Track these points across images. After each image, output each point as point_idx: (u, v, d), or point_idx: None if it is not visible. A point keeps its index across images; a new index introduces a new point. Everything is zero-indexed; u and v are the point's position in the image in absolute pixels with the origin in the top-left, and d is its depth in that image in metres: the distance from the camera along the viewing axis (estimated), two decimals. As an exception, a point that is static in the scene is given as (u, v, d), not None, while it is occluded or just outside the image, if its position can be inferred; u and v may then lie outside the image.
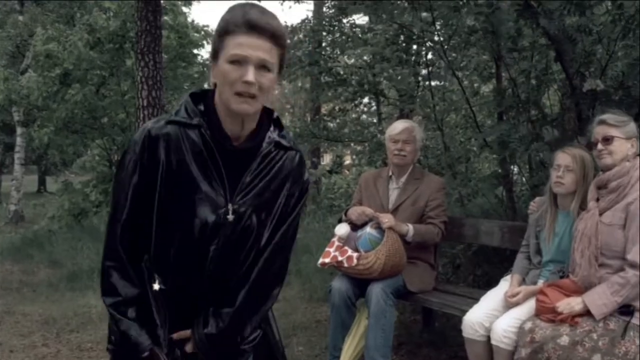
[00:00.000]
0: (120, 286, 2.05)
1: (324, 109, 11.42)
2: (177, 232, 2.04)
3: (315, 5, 13.60)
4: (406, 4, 6.53)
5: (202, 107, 2.06)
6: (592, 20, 5.17)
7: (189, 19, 17.14)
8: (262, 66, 1.94)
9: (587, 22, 5.06)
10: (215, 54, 2.00)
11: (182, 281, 2.09)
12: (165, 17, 14.24)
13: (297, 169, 2.17)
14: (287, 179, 2.14)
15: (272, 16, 1.98)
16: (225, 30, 1.95)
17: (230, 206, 2.05)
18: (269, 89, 2.00)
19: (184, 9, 17.57)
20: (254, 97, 1.95)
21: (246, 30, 1.92)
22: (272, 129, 2.13)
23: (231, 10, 1.99)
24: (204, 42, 16.65)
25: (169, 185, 2.01)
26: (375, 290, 4.60)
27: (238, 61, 1.93)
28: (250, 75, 1.92)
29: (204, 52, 17.38)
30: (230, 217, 2.05)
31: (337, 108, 10.30)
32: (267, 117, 2.13)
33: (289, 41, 2.02)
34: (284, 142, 2.14)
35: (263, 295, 2.17)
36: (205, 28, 17.08)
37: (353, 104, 10.12)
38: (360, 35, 9.51)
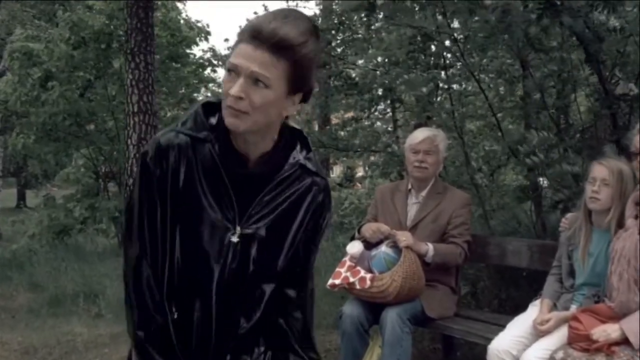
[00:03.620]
0: (154, 316, 2.06)
1: (335, 119, 11.46)
2: (180, 255, 2.05)
3: (323, 4, 13.66)
4: (417, 6, 6.57)
5: (213, 120, 2.03)
6: (625, 17, 5.18)
7: (183, 15, 17.16)
8: (255, 79, 1.87)
9: (617, 20, 5.07)
10: None
11: (187, 309, 2.09)
12: (156, 13, 14.25)
13: (322, 198, 2.14)
14: (307, 207, 2.11)
15: (293, 22, 1.90)
16: (237, 38, 1.92)
17: (238, 229, 2.04)
18: (264, 107, 1.91)
19: (179, 5, 17.60)
20: (246, 112, 1.89)
21: (248, 38, 1.88)
22: (298, 148, 2.09)
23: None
24: (197, 39, 16.65)
25: (175, 202, 2.01)
26: (390, 316, 4.60)
27: (232, 70, 1.89)
28: (235, 88, 1.87)
29: (198, 50, 17.38)
30: (235, 239, 2.04)
31: (349, 115, 10.33)
32: (292, 137, 2.07)
33: (309, 52, 1.94)
34: (309, 165, 2.10)
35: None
36: (198, 24, 17.09)
37: (367, 112, 10.13)
38: (373, 35, 9.54)
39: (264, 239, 2.07)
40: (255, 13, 12.06)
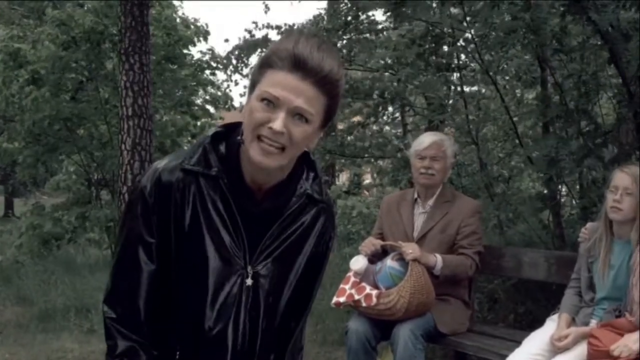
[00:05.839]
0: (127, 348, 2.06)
1: (341, 124, 11.45)
2: (188, 297, 2.06)
3: (328, 3, 13.73)
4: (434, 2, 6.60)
5: (223, 149, 2.04)
6: None
7: (179, 13, 17.17)
8: (297, 114, 1.87)
9: None
10: (252, 87, 1.93)
11: (198, 350, 2.09)
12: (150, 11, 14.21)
13: (326, 224, 2.17)
14: (313, 238, 2.14)
15: (330, 54, 1.91)
16: (268, 62, 1.89)
17: (249, 269, 2.06)
18: (302, 142, 1.93)
19: (175, 2, 17.61)
20: (282, 149, 1.89)
21: (290, 67, 1.85)
22: (305, 175, 2.11)
23: (283, 39, 1.95)
24: (196, 39, 16.66)
25: (181, 242, 2.02)
26: (404, 332, 4.60)
27: (270, 101, 1.86)
28: (279, 123, 1.85)
29: (196, 51, 17.39)
30: (249, 281, 2.06)
31: (355, 121, 10.33)
32: (300, 161, 2.07)
33: (343, 85, 1.98)
34: (316, 195, 2.11)
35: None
36: (197, 23, 17.11)
37: (374, 117, 10.12)
38: (381, 35, 9.57)
39: (272, 272, 2.09)
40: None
